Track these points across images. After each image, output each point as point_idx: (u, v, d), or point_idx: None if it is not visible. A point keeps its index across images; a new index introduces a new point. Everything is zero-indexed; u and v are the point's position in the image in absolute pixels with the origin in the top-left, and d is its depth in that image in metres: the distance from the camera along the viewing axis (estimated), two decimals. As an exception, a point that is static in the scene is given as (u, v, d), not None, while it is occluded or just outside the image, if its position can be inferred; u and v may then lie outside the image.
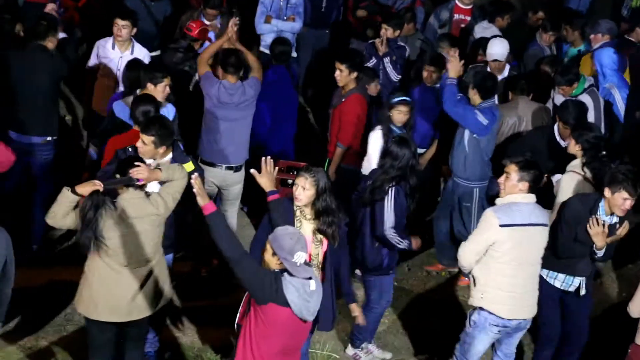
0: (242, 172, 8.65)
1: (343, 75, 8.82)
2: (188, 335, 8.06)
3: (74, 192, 6.20)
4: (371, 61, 10.12)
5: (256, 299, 5.54)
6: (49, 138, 8.79)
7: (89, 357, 6.84)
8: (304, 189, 6.50)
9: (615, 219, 7.04)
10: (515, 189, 6.68)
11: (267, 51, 10.63)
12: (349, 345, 7.87)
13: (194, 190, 5.67)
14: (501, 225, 6.56)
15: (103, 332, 6.72)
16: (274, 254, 5.51)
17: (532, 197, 6.76)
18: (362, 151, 8.73)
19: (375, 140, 8.39)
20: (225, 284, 8.52)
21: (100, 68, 9.47)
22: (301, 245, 5.56)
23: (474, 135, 8.42)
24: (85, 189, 6.22)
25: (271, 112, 9.41)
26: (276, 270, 5.55)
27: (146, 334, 7.08)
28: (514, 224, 6.59)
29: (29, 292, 7.83)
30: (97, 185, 6.23)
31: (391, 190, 7.26)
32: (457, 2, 11.58)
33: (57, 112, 9.18)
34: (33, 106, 8.65)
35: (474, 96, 8.50)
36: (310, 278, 5.54)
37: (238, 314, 6.49)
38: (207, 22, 10.28)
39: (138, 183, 6.46)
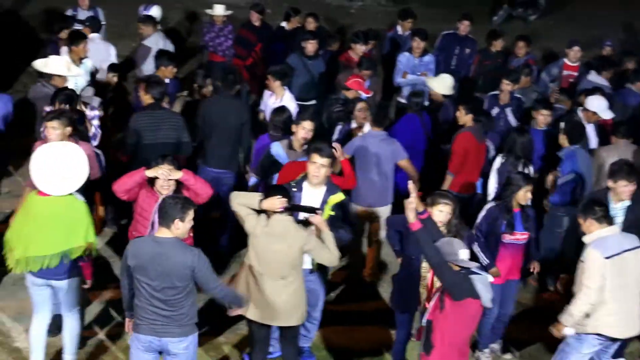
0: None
1: (461, 114, 9.96)
2: (340, 335, 8.68)
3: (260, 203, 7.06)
4: (494, 110, 11.06)
5: (454, 295, 6.21)
6: (233, 171, 9.83)
7: (251, 349, 7.57)
8: (441, 212, 7.37)
9: (627, 203, 8.12)
10: (593, 227, 7.13)
11: (404, 101, 11.98)
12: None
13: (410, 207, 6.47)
14: (606, 258, 6.98)
15: (257, 328, 7.35)
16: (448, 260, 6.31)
17: (614, 229, 7.25)
18: (469, 180, 9.68)
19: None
20: (368, 290, 9.54)
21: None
22: (458, 244, 6.38)
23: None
24: (268, 204, 7.06)
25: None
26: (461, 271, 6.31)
27: (296, 336, 7.51)
28: (614, 254, 7.00)
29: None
30: (283, 202, 7.04)
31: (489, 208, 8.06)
32: (565, 60, 12.64)
33: (238, 148, 10.05)
34: (226, 144, 9.66)
35: (563, 140, 9.37)
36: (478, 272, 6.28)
37: (427, 313, 6.66)
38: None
39: (317, 212, 7.17)
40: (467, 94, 12.43)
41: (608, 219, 7.27)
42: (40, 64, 9.65)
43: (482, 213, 8.13)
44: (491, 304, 6.37)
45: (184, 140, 9.20)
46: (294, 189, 7.63)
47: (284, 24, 13.72)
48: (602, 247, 7.03)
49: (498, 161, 9.56)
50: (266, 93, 10.92)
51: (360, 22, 14.49)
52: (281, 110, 9.57)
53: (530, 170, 9.43)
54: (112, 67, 10.79)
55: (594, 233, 7.12)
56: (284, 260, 7.09)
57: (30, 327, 7.58)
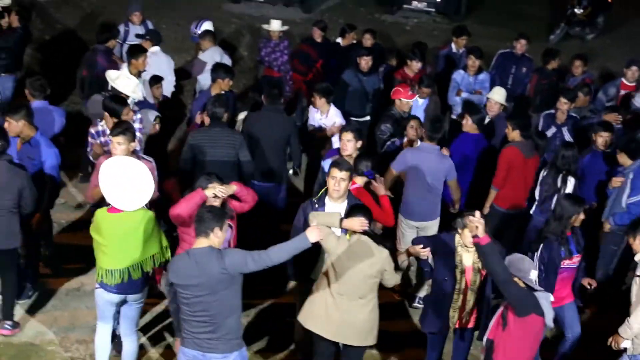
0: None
1: (509, 130, 9.92)
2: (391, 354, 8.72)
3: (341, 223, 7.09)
4: (550, 129, 11.02)
5: (520, 311, 6.31)
6: (282, 183, 9.91)
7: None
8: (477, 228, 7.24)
9: None
10: None
11: (455, 117, 12.02)
12: None
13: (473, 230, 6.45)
14: None
15: (325, 345, 7.38)
16: (514, 275, 6.40)
17: None
18: (515, 196, 9.69)
19: None
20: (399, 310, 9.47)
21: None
22: (530, 263, 6.50)
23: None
24: (349, 224, 7.10)
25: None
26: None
27: (362, 356, 7.54)
28: None
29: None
30: (364, 224, 7.06)
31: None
32: (623, 80, 12.49)
33: (285, 161, 10.17)
34: (272, 157, 9.71)
35: (624, 159, 9.44)
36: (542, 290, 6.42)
37: (488, 330, 6.77)
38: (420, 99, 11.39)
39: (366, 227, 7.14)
40: (522, 113, 12.37)
41: None
42: (113, 76, 9.76)
43: (541, 246, 8.10)
44: (552, 323, 6.41)
45: (243, 159, 9.21)
46: (317, 205, 7.73)
47: (339, 40, 13.83)
48: None
49: (542, 174, 9.69)
50: (311, 109, 11.07)
51: (416, 39, 14.43)
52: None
53: (570, 183, 9.42)
54: (155, 79, 10.87)
55: None
56: (364, 280, 7.13)
57: (95, 336, 7.65)
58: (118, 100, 9.02)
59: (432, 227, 9.46)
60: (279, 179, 9.97)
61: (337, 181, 7.64)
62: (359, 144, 9.05)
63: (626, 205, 9.36)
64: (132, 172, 7.19)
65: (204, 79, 11.77)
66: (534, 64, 13.48)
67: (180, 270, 6.53)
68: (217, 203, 7.42)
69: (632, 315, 7.33)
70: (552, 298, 6.47)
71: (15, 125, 8.41)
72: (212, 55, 12.01)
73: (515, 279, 6.37)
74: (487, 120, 10.93)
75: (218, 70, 10.73)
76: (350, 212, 7.26)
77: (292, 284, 9.31)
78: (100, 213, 7.23)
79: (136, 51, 10.77)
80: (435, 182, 9.32)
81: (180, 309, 6.67)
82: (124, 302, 7.43)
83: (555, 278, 8.01)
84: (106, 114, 8.96)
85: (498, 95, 11.17)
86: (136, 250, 7.16)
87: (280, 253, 6.53)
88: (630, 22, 20.54)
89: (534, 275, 6.42)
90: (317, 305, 7.29)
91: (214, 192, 7.40)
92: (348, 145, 8.92)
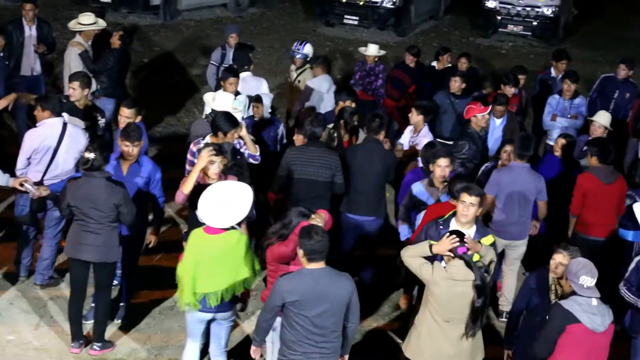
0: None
1: (589, 156, 9.69)
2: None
3: (431, 249, 7.09)
4: None
5: (552, 335, 6.64)
6: (380, 217, 9.63)
7: None
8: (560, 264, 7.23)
9: None
10: None
11: (551, 143, 11.64)
12: None
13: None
14: None
15: None
16: (567, 278, 6.69)
17: None
18: (594, 222, 9.47)
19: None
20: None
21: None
22: (587, 271, 6.56)
23: None
24: (440, 248, 7.06)
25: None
26: (566, 295, 6.66)
27: None
28: None
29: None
30: (453, 241, 6.98)
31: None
32: None
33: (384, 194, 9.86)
34: (372, 190, 9.48)
35: None
36: (596, 297, 6.48)
37: None
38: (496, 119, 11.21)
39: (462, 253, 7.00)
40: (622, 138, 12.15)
41: None
42: (209, 98, 9.84)
43: (631, 266, 7.98)
44: (598, 326, 6.52)
45: (337, 181, 9.23)
46: (441, 227, 7.69)
47: (434, 63, 13.81)
48: None
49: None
50: (408, 128, 10.95)
51: (512, 63, 14.29)
52: (431, 145, 9.57)
53: None
54: (256, 99, 10.94)
55: None
56: (469, 303, 7.04)
57: (183, 353, 7.71)
58: (229, 118, 8.92)
59: (521, 246, 9.47)
60: (379, 212, 9.72)
61: (467, 206, 7.60)
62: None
63: None
64: (229, 188, 7.28)
65: (310, 103, 11.87)
66: (638, 89, 13.19)
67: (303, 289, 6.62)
68: None
69: None
70: (594, 302, 6.54)
71: (137, 150, 8.56)
72: (320, 84, 12.03)
73: (567, 283, 6.66)
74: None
75: (341, 93, 10.91)
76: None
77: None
78: (197, 233, 7.30)
79: (226, 73, 10.83)
80: (527, 201, 9.29)
81: (289, 330, 6.72)
82: (213, 319, 7.49)
83: None
84: (215, 133, 8.84)
85: (603, 118, 11.01)
86: (231, 272, 7.21)
87: None
88: None
89: (585, 281, 6.52)
90: (424, 340, 7.21)
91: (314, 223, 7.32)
92: (446, 171, 8.81)
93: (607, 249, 9.62)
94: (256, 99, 10.83)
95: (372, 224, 9.61)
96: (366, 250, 9.77)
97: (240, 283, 7.28)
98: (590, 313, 6.49)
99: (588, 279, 6.51)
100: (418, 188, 8.94)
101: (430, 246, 7.12)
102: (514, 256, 9.55)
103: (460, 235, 7.04)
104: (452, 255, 7.02)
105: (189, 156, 9.16)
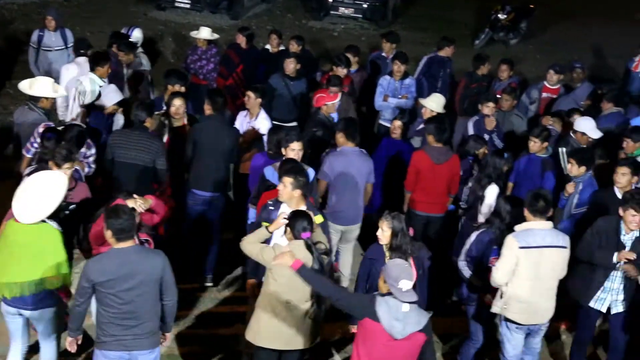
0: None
1: (427, 135, 9.89)
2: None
3: (268, 230, 7.25)
4: (484, 135, 10.86)
5: (357, 316, 6.44)
6: (224, 193, 9.89)
7: None
8: (383, 231, 7.41)
9: (636, 234, 7.97)
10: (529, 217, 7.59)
11: (386, 124, 11.96)
12: None
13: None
14: (520, 247, 7.42)
15: (266, 356, 7.38)
16: (385, 281, 6.24)
17: (547, 224, 7.58)
18: (423, 200, 9.71)
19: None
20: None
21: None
22: (407, 275, 6.21)
23: None
24: (275, 226, 7.29)
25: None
26: (382, 293, 6.28)
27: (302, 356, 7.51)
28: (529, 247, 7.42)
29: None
30: (284, 215, 7.24)
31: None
32: (545, 83, 12.75)
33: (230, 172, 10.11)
34: (219, 167, 9.59)
35: (577, 170, 9.25)
36: (411, 303, 6.12)
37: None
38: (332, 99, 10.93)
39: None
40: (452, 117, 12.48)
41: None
42: (25, 86, 9.56)
43: (471, 239, 8.11)
44: (397, 333, 6.16)
45: (158, 167, 9.20)
46: (271, 208, 7.81)
47: (267, 46, 13.77)
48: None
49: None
50: (241, 113, 10.80)
51: (344, 45, 14.45)
52: (278, 128, 9.62)
53: (492, 191, 9.27)
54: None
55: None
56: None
57: (7, 357, 7.44)
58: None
59: (355, 230, 9.61)
60: (224, 188, 9.88)
61: (285, 185, 7.68)
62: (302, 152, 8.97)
63: (570, 215, 9.37)
64: (40, 185, 7.07)
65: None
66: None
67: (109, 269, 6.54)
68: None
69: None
70: (406, 309, 6.17)
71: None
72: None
73: (385, 285, 6.28)
74: (420, 126, 11.00)
75: (170, 76, 10.74)
76: (292, 218, 7.25)
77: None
78: (10, 222, 7.07)
79: (100, 58, 10.71)
80: (359, 185, 9.40)
81: (100, 311, 6.65)
82: (24, 317, 7.28)
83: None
84: None
85: (433, 102, 11.13)
86: (30, 264, 6.93)
87: None
88: (551, 28, 21.03)
89: (404, 285, 6.15)
90: (266, 316, 7.27)
91: (135, 206, 7.35)
92: (299, 155, 8.77)
93: (438, 224, 9.90)
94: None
95: (217, 200, 9.67)
96: (211, 232, 9.78)
97: (46, 280, 7.00)
98: (394, 318, 6.16)
99: (407, 283, 6.19)
100: (270, 172, 8.82)
101: (267, 228, 7.21)
102: (348, 238, 9.68)
103: (309, 219, 7.14)
104: (294, 236, 7.12)
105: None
